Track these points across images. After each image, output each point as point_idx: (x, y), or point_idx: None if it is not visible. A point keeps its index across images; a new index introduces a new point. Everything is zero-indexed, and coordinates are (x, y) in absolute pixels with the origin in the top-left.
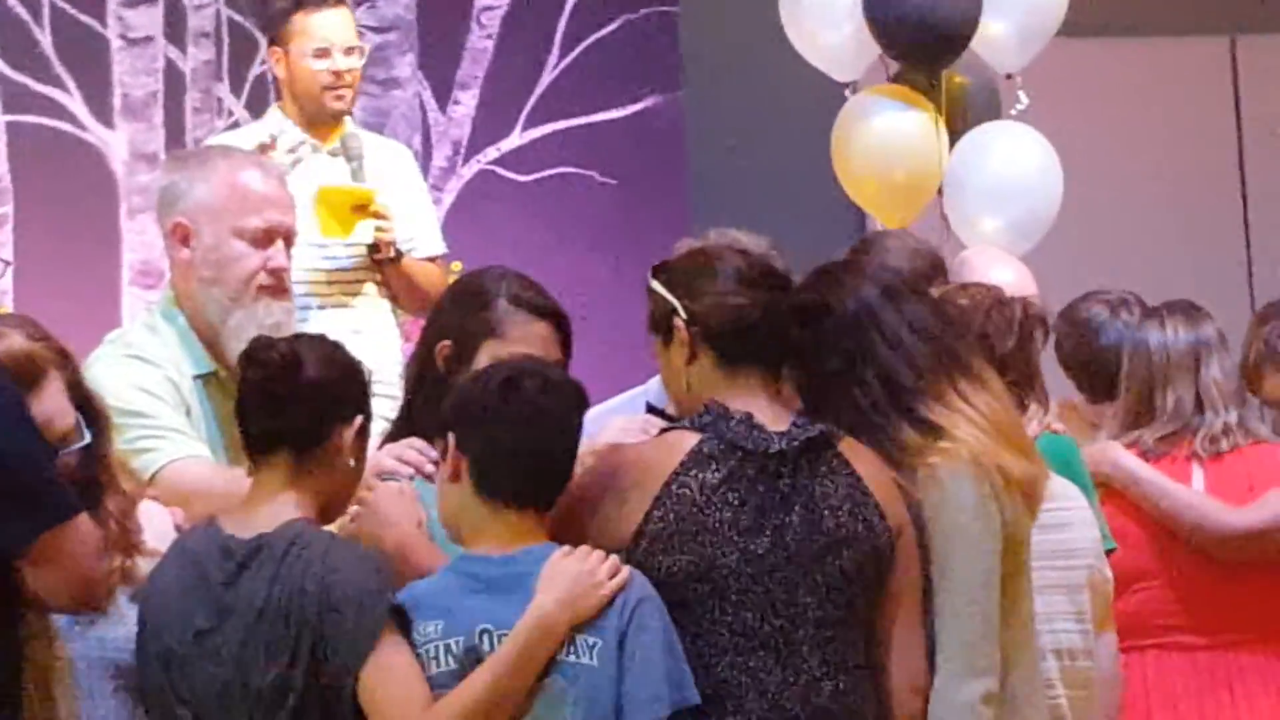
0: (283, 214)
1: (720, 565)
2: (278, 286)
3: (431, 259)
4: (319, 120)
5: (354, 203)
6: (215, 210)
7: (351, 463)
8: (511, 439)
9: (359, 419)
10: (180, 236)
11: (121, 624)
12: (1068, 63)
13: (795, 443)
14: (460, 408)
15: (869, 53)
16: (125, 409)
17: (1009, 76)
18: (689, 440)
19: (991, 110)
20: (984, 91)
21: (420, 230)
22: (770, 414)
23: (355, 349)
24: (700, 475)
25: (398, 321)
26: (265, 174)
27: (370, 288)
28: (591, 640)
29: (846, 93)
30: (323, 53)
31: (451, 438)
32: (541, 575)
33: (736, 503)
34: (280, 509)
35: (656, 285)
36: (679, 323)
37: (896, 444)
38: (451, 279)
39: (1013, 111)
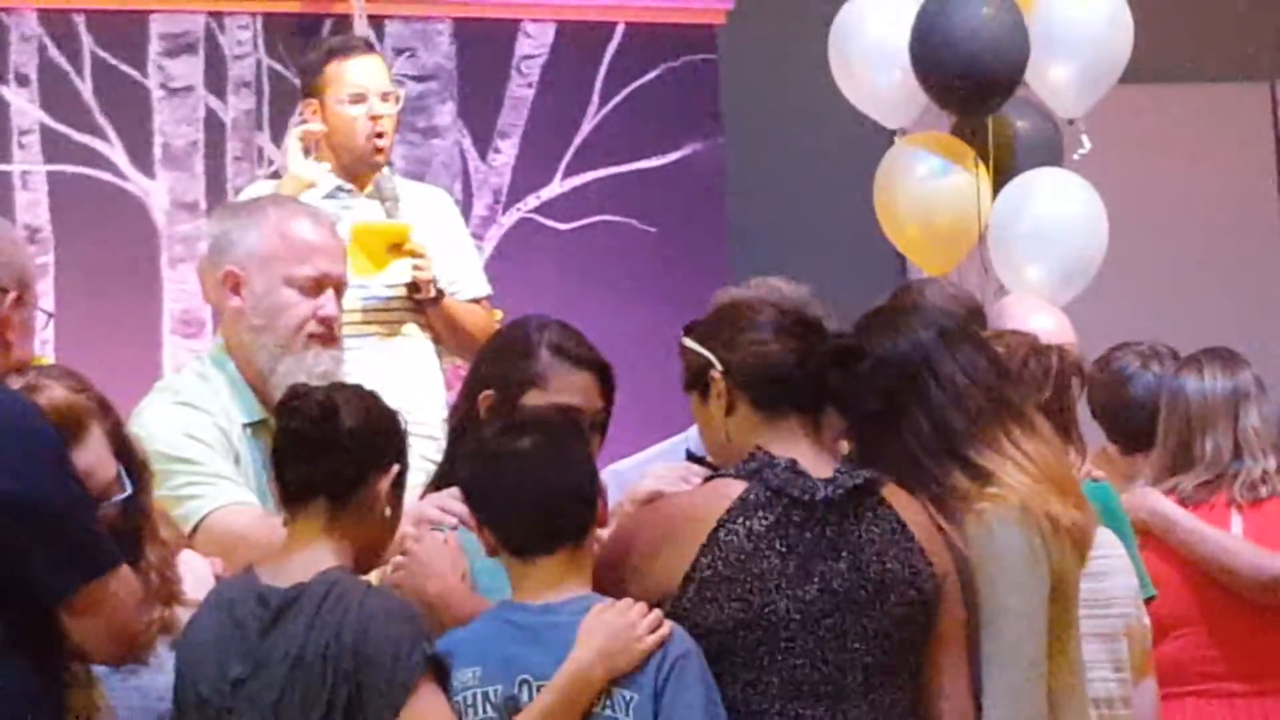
0: (333, 263)
1: (769, 613)
2: (328, 335)
3: (476, 300)
4: (357, 170)
5: (389, 241)
6: (266, 258)
7: (387, 512)
8: (496, 499)
9: (395, 468)
10: (231, 285)
11: (162, 673)
12: (1111, 109)
13: (840, 489)
14: (461, 491)
15: (918, 99)
16: (173, 455)
17: (1070, 122)
18: (735, 488)
19: (1051, 156)
20: (1043, 137)
21: (463, 272)
22: (813, 460)
23: (392, 389)
24: (747, 523)
25: (441, 367)
26: (316, 223)
27: (411, 328)
28: (629, 695)
29: (896, 138)
30: (358, 98)
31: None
32: (581, 628)
33: (784, 550)
34: (316, 558)
35: (690, 343)
36: (715, 375)
37: (946, 488)
38: (494, 326)
39: (1075, 157)
